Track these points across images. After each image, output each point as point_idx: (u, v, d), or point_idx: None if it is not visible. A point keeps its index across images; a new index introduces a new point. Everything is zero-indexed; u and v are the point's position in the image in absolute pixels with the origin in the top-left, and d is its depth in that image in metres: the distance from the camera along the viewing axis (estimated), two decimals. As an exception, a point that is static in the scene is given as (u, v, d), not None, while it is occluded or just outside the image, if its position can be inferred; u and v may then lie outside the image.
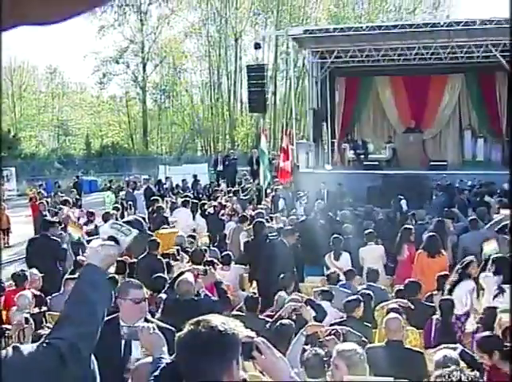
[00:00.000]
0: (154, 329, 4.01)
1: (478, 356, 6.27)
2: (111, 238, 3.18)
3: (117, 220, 15.72)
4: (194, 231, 15.98)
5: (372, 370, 6.26)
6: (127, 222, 3.34)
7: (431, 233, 11.99)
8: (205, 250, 12.35)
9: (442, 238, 12.10)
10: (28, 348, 2.68)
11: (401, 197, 18.53)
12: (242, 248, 13.32)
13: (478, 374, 2.54)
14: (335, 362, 5.17)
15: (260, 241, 12.27)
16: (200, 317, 2.79)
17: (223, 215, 17.09)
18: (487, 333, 6.57)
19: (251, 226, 13.66)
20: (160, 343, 3.81)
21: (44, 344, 2.68)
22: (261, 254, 11.77)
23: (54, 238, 12.80)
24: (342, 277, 10.95)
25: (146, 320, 5.70)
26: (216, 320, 2.76)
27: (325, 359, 6.00)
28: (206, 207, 17.69)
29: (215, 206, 17.57)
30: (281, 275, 9.80)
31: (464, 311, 8.81)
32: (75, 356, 2.67)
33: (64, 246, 13.00)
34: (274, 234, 12.56)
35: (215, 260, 11.93)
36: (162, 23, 52.41)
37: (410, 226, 13.26)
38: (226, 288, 9.46)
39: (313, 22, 50.66)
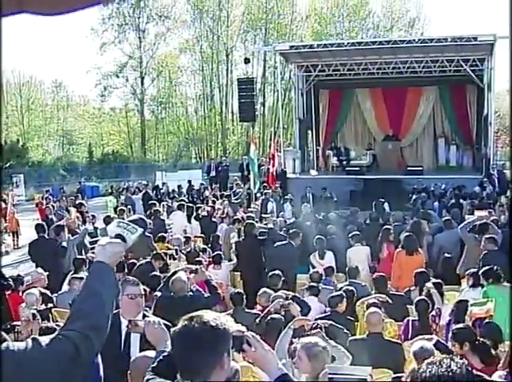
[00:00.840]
0: (160, 323, 3.99)
1: (450, 345, 6.28)
2: (118, 236, 3.17)
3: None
4: (185, 232, 15.99)
5: (354, 360, 6.29)
6: (132, 221, 3.32)
7: (408, 233, 12.00)
8: (203, 250, 12.35)
9: (418, 237, 12.11)
10: (45, 339, 2.69)
11: (383, 200, 18.59)
12: (233, 247, 13.32)
13: (467, 362, 2.52)
14: (298, 354, 5.18)
15: (250, 241, 12.38)
16: (193, 313, 2.78)
17: (215, 217, 17.07)
18: (462, 324, 6.56)
19: (242, 227, 13.72)
20: (164, 337, 3.78)
21: (60, 336, 2.69)
22: (254, 253, 11.96)
23: (51, 238, 12.86)
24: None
25: (144, 315, 5.69)
26: (208, 316, 2.75)
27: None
28: (200, 210, 17.65)
29: (208, 210, 17.53)
30: (270, 274, 9.82)
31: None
32: (88, 346, 2.70)
33: (64, 244, 12.96)
34: (282, 238, 12.58)
35: (207, 260, 11.96)
36: (159, 40, 52.53)
37: (390, 226, 13.24)
38: (219, 285, 9.46)
39: (299, 39, 50.79)
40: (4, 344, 2.58)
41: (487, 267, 8.70)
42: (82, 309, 2.84)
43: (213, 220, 16.64)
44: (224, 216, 16.95)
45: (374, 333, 7.19)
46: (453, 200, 18.26)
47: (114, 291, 3.01)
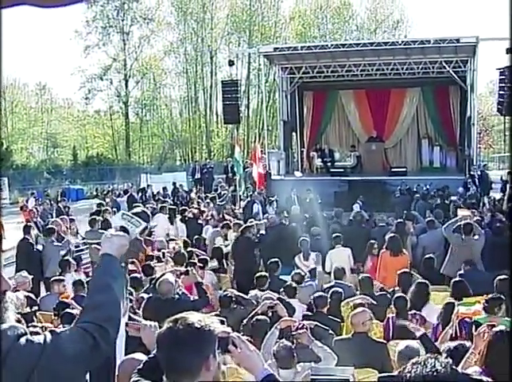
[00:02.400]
0: (156, 327, 3.99)
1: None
2: (122, 228, 3.16)
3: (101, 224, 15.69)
4: (168, 235, 15.95)
5: (340, 360, 6.31)
6: (136, 213, 3.33)
7: (392, 234, 12.03)
8: (190, 252, 12.32)
9: (402, 238, 12.15)
10: (63, 332, 2.76)
11: (359, 202, 18.76)
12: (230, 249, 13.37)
13: (451, 361, 2.52)
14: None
15: (245, 243, 12.72)
16: (178, 315, 2.79)
17: (200, 219, 17.03)
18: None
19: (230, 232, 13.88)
20: None
21: (77, 328, 2.75)
22: (248, 255, 12.38)
23: (30, 241, 12.87)
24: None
25: (130, 318, 5.67)
26: (193, 317, 2.76)
27: (294, 351, 6.04)
28: (186, 213, 17.60)
29: (194, 212, 17.48)
30: (257, 275, 9.85)
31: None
32: (106, 337, 2.77)
33: (39, 247, 12.98)
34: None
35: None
36: (143, 42, 52.35)
37: (373, 240, 13.11)
38: (206, 288, 9.46)
39: (283, 41, 50.88)
40: (23, 338, 2.60)
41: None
42: (95, 302, 2.88)
43: (199, 222, 16.62)
44: (209, 218, 16.94)
45: (359, 332, 7.19)
46: (437, 201, 18.35)
47: (122, 282, 3.05)
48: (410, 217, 15.03)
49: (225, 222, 15.64)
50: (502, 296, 7.36)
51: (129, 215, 3.28)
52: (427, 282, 9.12)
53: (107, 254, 3.04)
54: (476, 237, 11.27)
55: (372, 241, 13.01)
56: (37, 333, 2.78)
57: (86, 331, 2.72)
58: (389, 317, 8.14)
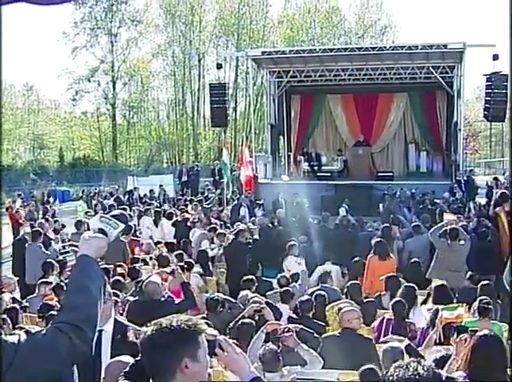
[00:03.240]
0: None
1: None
2: (100, 230, 3.18)
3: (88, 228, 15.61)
4: (151, 237, 15.94)
5: (328, 356, 6.35)
6: (114, 215, 3.34)
7: (378, 239, 12.05)
8: (178, 255, 12.29)
9: (389, 243, 12.18)
10: (38, 332, 2.79)
11: (345, 206, 18.83)
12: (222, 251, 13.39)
13: (434, 365, 2.54)
14: None
15: (237, 246, 12.76)
16: (163, 318, 2.79)
17: (188, 222, 16.99)
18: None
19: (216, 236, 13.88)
20: None
21: (53, 329, 2.76)
22: (240, 259, 12.31)
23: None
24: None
25: (116, 320, 5.66)
26: (178, 320, 2.75)
27: (279, 354, 6.05)
28: (174, 216, 17.56)
29: (184, 216, 17.43)
30: (244, 278, 9.87)
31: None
32: (82, 337, 2.76)
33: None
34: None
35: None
36: (131, 44, 52.31)
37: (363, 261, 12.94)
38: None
39: (271, 44, 50.96)
40: None
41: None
42: (72, 303, 2.89)
43: (188, 224, 16.57)
44: (196, 220, 16.91)
45: (347, 328, 7.26)
46: (422, 206, 18.43)
47: (100, 282, 3.03)
48: (396, 222, 15.09)
49: (212, 225, 15.61)
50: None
51: (107, 217, 3.30)
52: (414, 286, 9.18)
53: (85, 255, 3.05)
54: (462, 242, 11.33)
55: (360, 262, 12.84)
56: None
57: (60, 331, 2.73)
58: (384, 317, 8.16)
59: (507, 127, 62.84)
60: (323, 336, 7.33)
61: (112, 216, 3.34)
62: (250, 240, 13.54)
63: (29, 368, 2.59)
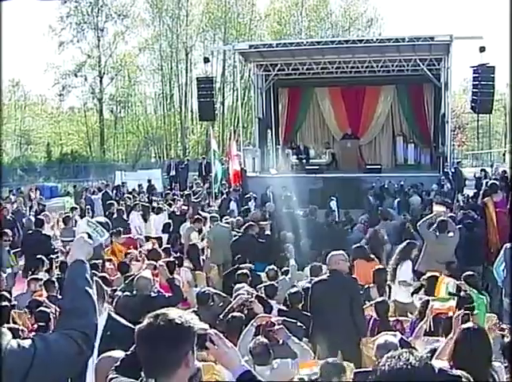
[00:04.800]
0: None
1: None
2: (88, 235, 3.21)
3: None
4: (139, 233, 15.91)
5: (316, 295, 7.27)
6: (100, 223, 3.36)
7: (359, 244, 11.88)
8: (165, 250, 12.27)
9: (377, 247, 12.15)
10: (50, 337, 2.83)
11: (334, 199, 18.89)
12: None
13: (425, 355, 2.56)
14: None
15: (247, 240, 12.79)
16: (159, 311, 2.79)
17: (177, 215, 16.97)
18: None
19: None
20: None
21: (64, 336, 2.80)
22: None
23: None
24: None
25: (110, 316, 5.67)
26: (173, 313, 2.76)
27: (270, 347, 6.07)
28: (162, 210, 17.53)
29: (180, 208, 17.40)
30: (238, 272, 9.90)
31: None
32: (88, 343, 2.85)
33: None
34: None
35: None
36: (118, 39, 52.05)
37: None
38: (181, 286, 9.47)
39: (258, 38, 50.88)
40: (12, 342, 2.63)
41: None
42: (77, 308, 2.94)
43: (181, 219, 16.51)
44: (186, 214, 16.87)
45: (334, 270, 7.81)
46: (412, 198, 18.55)
47: (93, 287, 3.10)
48: (385, 215, 15.16)
49: (197, 216, 15.59)
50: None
51: (94, 223, 3.33)
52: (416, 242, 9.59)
53: (81, 260, 3.10)
54: (451, 234, 11.35)
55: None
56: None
57: (71, 338, 2.78)
58: (371, 317, 8.20)
59: (494, 119, 63.27)
60: (313, 280, 8.14)
61: (99, 222, 3.37)
62: (240, 234, 13.56)
63: (45, 373, 2.63)
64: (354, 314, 7.60)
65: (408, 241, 10.18)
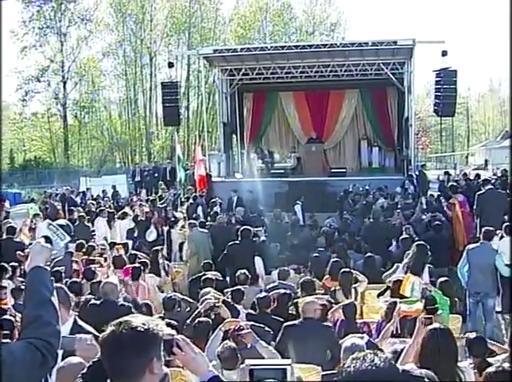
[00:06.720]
0: (91, 340, 3.96)
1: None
2: (46, 238, 3.15)
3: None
4: (106, 239, 15.77)
5: (290, 344, 6.43)
6: (61, 226, 3.33)
7: (334, 259, 11.80)
8: (134, 255, 12.17)
9: (345, 261, 12.12)
10: (15, 347, 2.82)
11: (299, 203, 18.94)
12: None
13: (390, 356, 2.57)
14: None
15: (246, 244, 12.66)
16: (122, 319, 2.75)
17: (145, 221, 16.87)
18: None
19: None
20: (96, 353, 3.76)
21: (28, 344, 2.79)
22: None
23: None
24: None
25: (75, 321, 5.60)
26: (137, 321, 2.72)
27: (238, 351, 6.05)
28: (128, 215, 17.43)
29: (146, 213, 17.31)
30: (203, 277, 9.90)
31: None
32: (52, 352, 2.86)
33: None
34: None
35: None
36: (81, 44, 51.81)
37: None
38: (147, 292, 9.46)
39: (222, 43, 50.99)
40: None
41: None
42: (42, 317, 2.92)
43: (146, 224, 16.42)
44: (151, 219, 16.79)
45: (308, 318, 7.42)
46: (379, 201, 18.68)
47: (53, 292, 3.09)
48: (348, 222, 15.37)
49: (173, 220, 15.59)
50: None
51: (55, 226, 3.30)
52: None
53: (40, 266, 3.08)
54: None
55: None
56: None
57: (36, 347, 2.78)
58: (338, 318, 8.23)
59: (457, 122, 64.07)
60: (285, 325, 7.45)
61: (60, 225, 3.34)
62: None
63: (13, 380, 2.64)
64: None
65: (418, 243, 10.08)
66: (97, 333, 4.87)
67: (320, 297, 8.88)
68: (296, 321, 7.59)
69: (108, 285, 7.85)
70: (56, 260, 9.79)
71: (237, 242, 12.84)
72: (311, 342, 6.96)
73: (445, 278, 9.15)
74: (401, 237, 12.64)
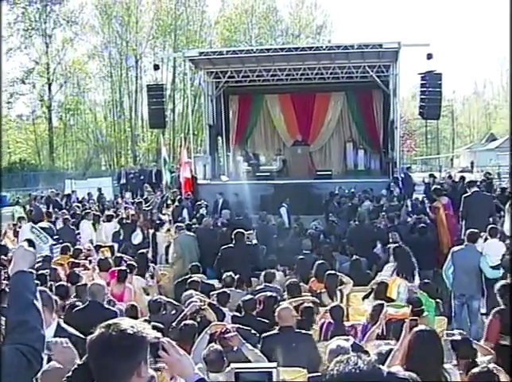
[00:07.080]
0: (67, 343, 3.93)
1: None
2: (29, 241, 3.16)
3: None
4: (91, 241, 15.71)
5: (268, 354, 6.38)
6: (44, 228, 3.34)
7: (320, 261, 11.83)
8: (120, 258, 12.13)
9: (331, 263, 12.14)
10: (1, 352, 2.80)
11: (285, 205, 18.97)
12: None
13: (374, 359, 2.59)
14: None
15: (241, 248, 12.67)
16: (110, 321, 2.75)
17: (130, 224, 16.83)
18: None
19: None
20: (72, 356, 3.75)
21: (14, 350, 2.79)
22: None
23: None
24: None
25: (59, 326, 5.58)
26: (125, 324, 2.72)
27: (223, 354, 6.05)
28: (114, 218, 17.38)
29: (132, 215, 17.27)
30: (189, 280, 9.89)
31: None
32: (37, 357, 2.86)
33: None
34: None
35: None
36: (66, 46, 51.53)
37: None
38: (133, 294, 9.42)
39: (208, 45, 51.00)
40: None
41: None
42: (27, 322, 2.92)
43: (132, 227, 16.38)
44: (137, 222, 16.75)
45: (285, 326, 7.30)
46: (365, 203, 18.74)
47: (39, 299, 3.07)
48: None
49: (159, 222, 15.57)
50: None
51: (38, 229, 3.31)
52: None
53: (24, 271, 3.07)
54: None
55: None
56: None
57: (21, 352, 2.78)
58: (325, 321, 8.23)
59: (442, 125, 64.39)
60: (262, 336, 7.35)
61: (42, 228, 3.35)
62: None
63: None
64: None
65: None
66: (82, 336, 4.86)
67: (306, 299, 8.92)
68: (273, 332, 7.50)
69: (95, 286, 7.89)
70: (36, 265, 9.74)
71: (231, 245, 12.83)
72: (290, 353, 6.88)
73: (427, 281, 9.20)
74: (388, 245, 12.54)
